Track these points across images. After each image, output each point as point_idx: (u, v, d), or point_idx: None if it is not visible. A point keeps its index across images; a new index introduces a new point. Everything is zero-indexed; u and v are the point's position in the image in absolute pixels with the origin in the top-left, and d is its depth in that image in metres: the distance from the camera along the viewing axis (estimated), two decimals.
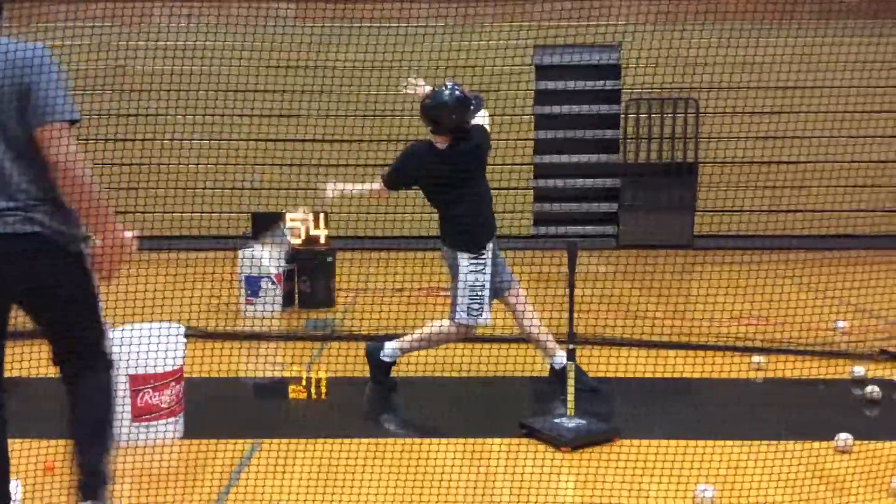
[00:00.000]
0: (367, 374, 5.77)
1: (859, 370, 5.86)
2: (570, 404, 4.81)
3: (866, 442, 4.56)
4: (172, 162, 11.64)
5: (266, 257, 7.78)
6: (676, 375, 5.65)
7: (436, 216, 5.59)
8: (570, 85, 12.23)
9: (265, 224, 8.34)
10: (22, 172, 3.16)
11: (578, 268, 4.94)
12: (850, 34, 10.49)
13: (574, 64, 12.24)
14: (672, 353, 6.10)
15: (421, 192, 5.61)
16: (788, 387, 5.84)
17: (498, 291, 5.56)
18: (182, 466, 4.41)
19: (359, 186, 5.78)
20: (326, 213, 8.27)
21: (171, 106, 11.00)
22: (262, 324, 7.34)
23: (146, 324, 4.78)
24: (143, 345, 4.56)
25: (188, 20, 11.57)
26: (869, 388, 5.51)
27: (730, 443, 4.53)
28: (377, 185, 5.62)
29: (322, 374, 6.26)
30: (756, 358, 6.20)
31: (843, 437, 4.56)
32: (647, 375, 5.72)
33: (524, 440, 4.73)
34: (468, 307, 5.41)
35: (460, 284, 5.42)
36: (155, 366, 4.62)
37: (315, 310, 8.00)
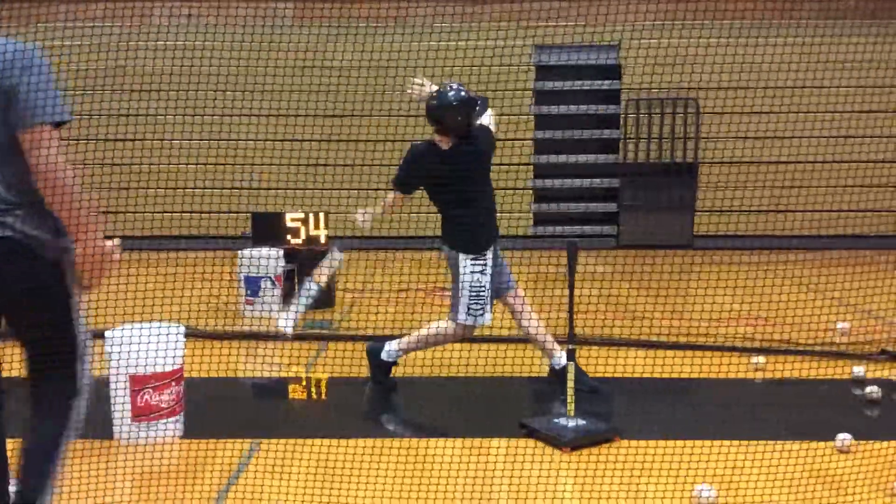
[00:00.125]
0: (367, 374, 5.77)
1: (859, 370, 5.86)
2: (570, 404, 4.81)
3: (866, 442, 4.56)
4: (172, 162, 11.65)
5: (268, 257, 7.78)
6: (676, 375, 5.65)
7: (435, 216, 5.59)
8: (570, 85, 12.23)
9: (265, 224, 8.35)
10: None
11: (578, 268, 4.94)
12: (850, 34, 10.48)
13: (574, 64, 12.24)
14: (672, 353, 6.11)
15: (424, 192, 5.61)
16: (788, 387, 5.84)
17: (498, 292, 5.56)
18: (182, 466, 4.41)
19: (381, 203, 5.72)
20: (326, 213, 8.28)
21: (171, 106, 10.99)
22: (261, 324, 7.34)
23: (146, 324, 4.78)
24: (143, 345, 4.56)
25: (188, 20, 11.56)
26: (869, 389, 5.51)
27: (729, 443, 4.53)
28: (390, 196, 5.61)
29: (322, 375, 6.26)
30: (756, 358, 6.20)
31: (843, 437, 4.56)
32: (647, 375, 5.73)
33: (524, 440, 4.73)
34: (468, 307, 5.40)
35: (461, 285, 5.42)
36: (155, 366, 4.63)
37: (315, 310, 7.98)
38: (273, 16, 11.15)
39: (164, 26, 11.40)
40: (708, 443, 4.41)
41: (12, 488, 3.34)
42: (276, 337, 6.86)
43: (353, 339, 6.71)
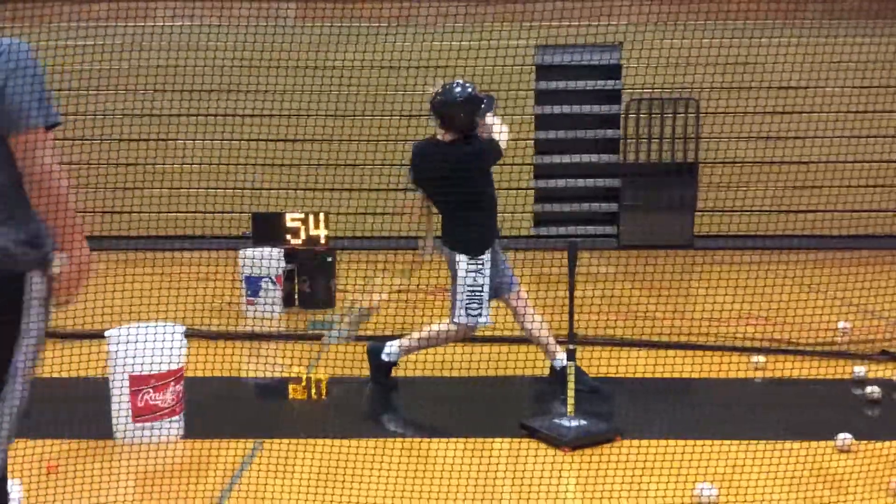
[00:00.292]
0: (368, 374, 5.77)
1: (860, 370, 5.87)
2: (571, 404, 4.82)
3: (867, 442, 4.57)
4: (174, 162, 11.65)
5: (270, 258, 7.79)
6: (676, 375, 5.65)
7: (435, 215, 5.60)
8: (571, 85, 12.23)
9: (265, 224, 8.36)
10: None
11: (579, 268, 4.95)
12: (851, 34, 10.49)
13: (575, 64, 12.23)
14: (672, 353, 6.11)
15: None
16: (789, 386, 5.84)
17: (499, 292, 5.57)
18: (183, 466, 4.42)
19: (425, 222, 5.66)
20: (326, 213, 8.29)
21: (174, 106, 11.01)
22: (262, 324, 7.34)
23: (147, 324, 4.79)
24: (144, 345, 4.57)
25: (190, 20, 11.57)
26: (869, 388, 5.51)
27: (730, 442, 4.54)
28: (410, 200, 5.61)
29: (322, 375, 6.27)
30: (756, 358, 6.20)
31: (844, 437, 4.57)
32: (647, 375, 5.73)
33: (525, 440, 4.73)
34: (466, 308, 5.41)
35: (459, 286, 5.43)
36: (155, 365, 4.63)
37: (315, 310, 8.00)
38: (276, 16, 11.16)
39: (166, 26, 11.41)
40: (709, 442, 4.41)
41: (12, 488, 3.35)
42: (285, 338, 6.91)
43: (356, 338, 6.70)
